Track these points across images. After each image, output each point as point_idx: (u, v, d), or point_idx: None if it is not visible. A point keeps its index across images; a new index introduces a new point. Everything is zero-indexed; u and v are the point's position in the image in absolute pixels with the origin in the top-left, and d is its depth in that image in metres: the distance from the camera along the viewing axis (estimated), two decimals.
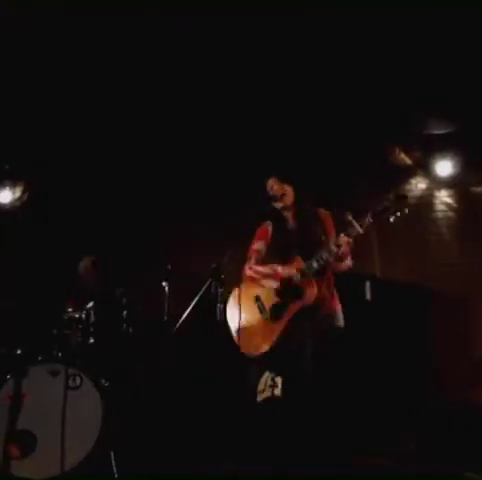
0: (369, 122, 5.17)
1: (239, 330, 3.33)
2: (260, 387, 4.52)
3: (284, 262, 3.40)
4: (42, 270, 4.78)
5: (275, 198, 3.44)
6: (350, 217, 3.21)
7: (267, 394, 4.31)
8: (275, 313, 3.35)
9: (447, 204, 5.42)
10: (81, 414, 3.19)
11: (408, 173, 5.47)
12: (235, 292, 3.45)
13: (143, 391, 3.79)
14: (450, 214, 5.40)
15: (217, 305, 3.17)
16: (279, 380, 4.45)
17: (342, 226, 3.28)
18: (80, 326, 3.65)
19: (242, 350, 3.41)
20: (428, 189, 5.46)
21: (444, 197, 5.42)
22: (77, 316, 3.65)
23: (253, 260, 3.52)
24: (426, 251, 5.36)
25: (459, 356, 5.01)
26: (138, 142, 5.27)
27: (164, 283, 4.17)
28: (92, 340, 3.57)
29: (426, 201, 5.44)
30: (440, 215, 5.41)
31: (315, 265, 3.23)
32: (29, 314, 4.00)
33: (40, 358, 3.39)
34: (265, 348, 3.37)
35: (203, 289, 3.14)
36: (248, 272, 3.51)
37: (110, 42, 4.28)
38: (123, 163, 5.34)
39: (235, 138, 5.20)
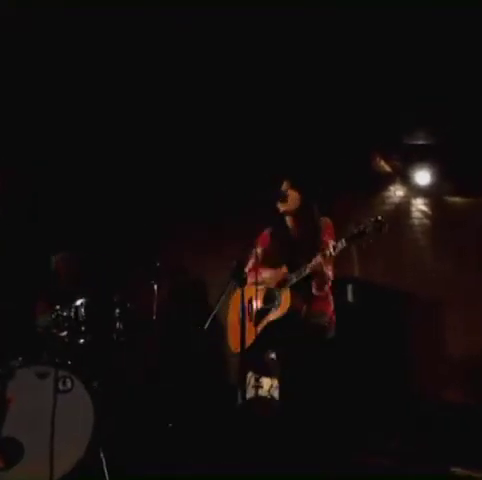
0: (353, 130, 4.98)
1: (233, 329, 3.26)
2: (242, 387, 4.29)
3: (274, 268, 3.24)
4: (25, 268, 4.33)
5: (282, 196, 3.20)
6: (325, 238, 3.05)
7: (250, 394, 4.13)
8: (257, 318, 3.19)
9: (423, 212, 5.31)
10: (72, 419, 2.79)
11: (388, 180, 5.33)
12: (236, 293, 3.29)
13: (136, 392, 3.41)
14: (425, 221, 5.30)
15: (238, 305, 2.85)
16: (264, 381, 4.24)
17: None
18: (66, 325, 3.23)
19: (231, 347, 3.33)
20: (406, 197, 5.34)
21: (420, 205, 5.32)
22: (65, 314, 3.23)
23: (249, 264, 3.34)
24: (402, 256, 5.24)
25: (433, 357, 4.87)
26: (135, 140, 4.93)
27: (153, 281, 3.85)
28: (82, 340, 3.14)
29: (403, 208, 5.33)
30: (416, 222, 5.31)
31: (293, 279, 3.10)
32: (11, 312, 3.57)
33: (27, 359, 2.94)
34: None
35: (227, 289, 2.82)
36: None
37: (110, 42, 4.01)
38: (117, 161, 4.99)
39: (231, 137, 4.93)
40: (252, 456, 3.21)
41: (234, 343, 3.29)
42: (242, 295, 2.72)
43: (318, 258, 2.94)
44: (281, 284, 3.14)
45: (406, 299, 4.96)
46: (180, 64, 4.20)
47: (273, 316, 3.13)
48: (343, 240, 2.93)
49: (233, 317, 3.32)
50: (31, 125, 4.61)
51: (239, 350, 2.96)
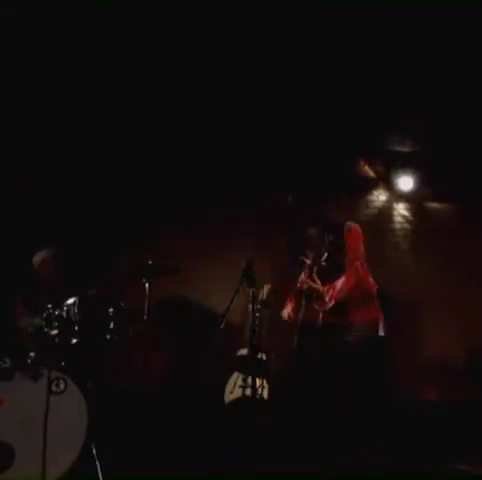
0: (340, 137, 4.92)
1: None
2: (229, 387, 4.21)
3: None
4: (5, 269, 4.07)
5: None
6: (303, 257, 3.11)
7: (237, 394, 4.05)
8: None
9: (404, 216, 5.33)
10: (65, 421, 2.59)
11: (371, 185, 5.33)
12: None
13: (131, 394, 3.23)
14: (406, 226, 5.33)
15: (249, 305, 2.76)
16: (253, 381, 4.13)
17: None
18: (56, 324, 3.01)
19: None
20: (388, 201, 5.34)
21: (401, 210, 5.33)
22: (57, 313, 3.02)
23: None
24: (383, 258, 5.19)
25: (410, 357, 4.89)
26: (136, 142, 4.75)
27: (144, 279, 3.65)
28: (75, 340, 2.93)
29: (385, 212, 5.34)
30: (397, 226, 5.33)
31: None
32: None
33: (18, 360, 2.72)
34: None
35: (237, 289, 2.71)
36: None
37: (107, 40, 3.86)
38: (113, 164, 4.80)
39: (226, 142, 4.82)
40: (243, 456, 3.11)
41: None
42: (252, 295, 2.64)
43: (302, 276, 3.04)
44: None
45: (386, 300, 4.95)
46: (177, 66, 4.06)
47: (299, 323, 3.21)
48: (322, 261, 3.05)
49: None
50: (11, 123, 4.35)
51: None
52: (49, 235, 4.10)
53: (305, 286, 3.02)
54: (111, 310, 3.05)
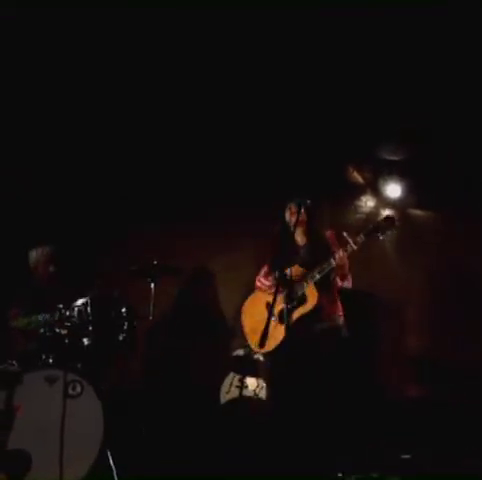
0: (331, 143, 4.90)
1: (251, 330, 3.26)
2: (224, 388, 4.12)
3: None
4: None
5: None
6: (345, 234, 3.15)
7: (233, 395, 3.97)
8: (281, 317, 3.15)
9: None
10: (81, 426, 2.41)
11: (360, 191, 5.30)
12: (250, 298, 3.40)
13: (146, 396, 3.08)
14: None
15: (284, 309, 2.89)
16: (249, 381, 4.06)
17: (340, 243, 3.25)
18: (68, 324, 2.82)
19: (252, 347, 3.31)
20: (375, 207, 5.32)
21: None
22: (68, 314, 2.83)
23: (262, 273, 3.42)
24: (371, 262, 5.16)
25: (397, 356, 4.87)
26: (130, 139, 4.55)
27: (149, 279, 3.50)
28: (88, 341, 2.74)
29: (373, 218, 5.23)
30: None
31: (317, 275, 3.14)
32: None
33: (29, 363, 2.52)
34: (272, 346, 3.15)
35: (275, 294, 2.71)
36: (257, 283, 3.40)
37: (107, 40, 3.81)
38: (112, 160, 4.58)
39: (214, 131, 4.67)
40: (240, 455, 3.11)
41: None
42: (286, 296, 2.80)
43: (341, 252, 3.06)
44: (303, 282, 3.17)
45: (373, 302, 4.94)
46: (177, 66, 3.99)
47: (302, 310, 3.13)
48: (362, 235, 3.13)
49: (251, 321, 3.30)
50: (11, 122, 4.15)
51: (267, 349, 2.96)
52: (49, 235, 3.87)
53: (341, 262, 3.06)
54: (124, 310, 2.89)
